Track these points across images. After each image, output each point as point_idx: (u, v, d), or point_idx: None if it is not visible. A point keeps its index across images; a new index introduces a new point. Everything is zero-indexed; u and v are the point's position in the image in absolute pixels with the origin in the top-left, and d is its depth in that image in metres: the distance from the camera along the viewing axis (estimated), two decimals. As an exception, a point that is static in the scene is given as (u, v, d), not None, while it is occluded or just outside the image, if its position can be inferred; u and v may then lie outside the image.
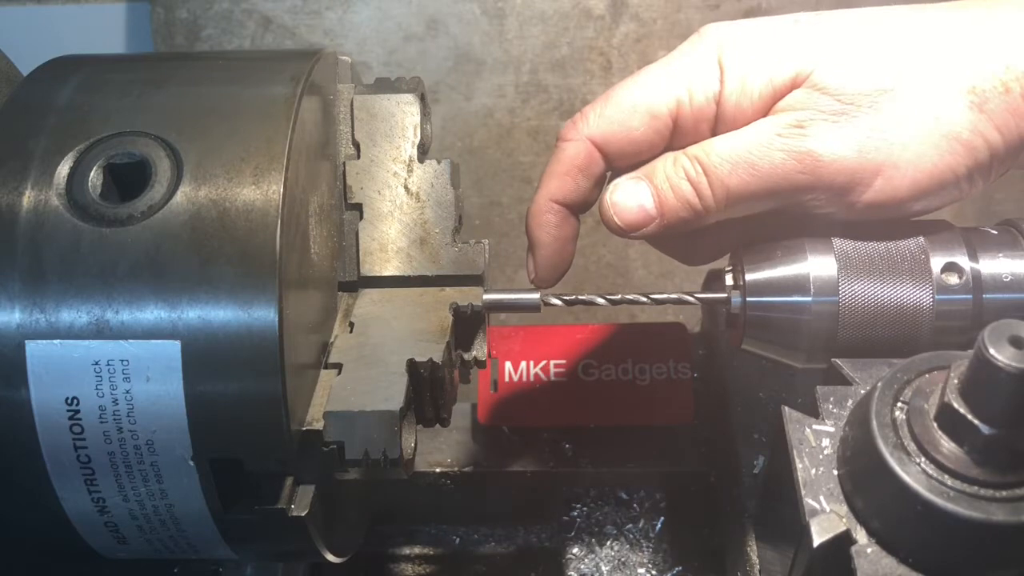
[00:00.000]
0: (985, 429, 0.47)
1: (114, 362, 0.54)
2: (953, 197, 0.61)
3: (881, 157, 0.58)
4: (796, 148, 0.59)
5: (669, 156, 0.64)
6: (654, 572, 0.86)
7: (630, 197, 0.64)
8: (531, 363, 0.86)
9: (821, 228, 0.64)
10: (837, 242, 0.63)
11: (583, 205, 0.67)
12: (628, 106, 0.63)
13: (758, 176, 0.60)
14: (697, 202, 0.62)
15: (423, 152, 0.68)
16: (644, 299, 0.68)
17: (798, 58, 0.60)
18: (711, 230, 0.66)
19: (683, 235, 0.68)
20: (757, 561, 0.73)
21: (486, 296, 0.67)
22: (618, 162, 0.65)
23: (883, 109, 0.58)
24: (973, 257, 0.62)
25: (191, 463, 0.55)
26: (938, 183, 0.59)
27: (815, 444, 0.54)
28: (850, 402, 0.55)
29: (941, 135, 0.58)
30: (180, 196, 0.56)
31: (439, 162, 0.68)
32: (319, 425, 0.57)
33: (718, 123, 0.63)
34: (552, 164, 0.66)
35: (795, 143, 0.59)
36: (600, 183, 0.67)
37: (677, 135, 0.64)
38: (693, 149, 0.63)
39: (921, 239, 0.62)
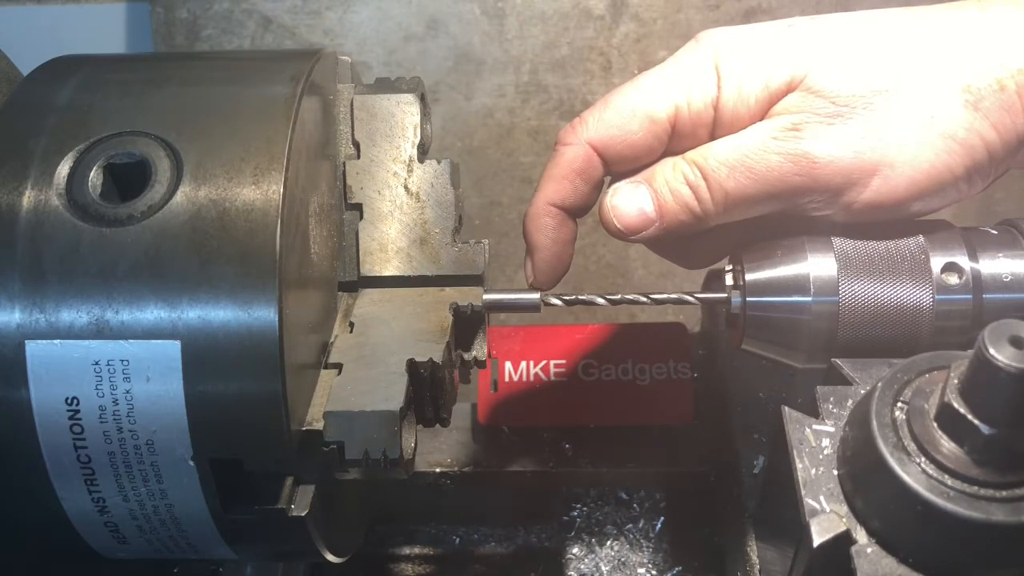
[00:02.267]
0: (985, 429, 0.47)
1: (114, 362, 0.54)
2: (953, 198, 0.61)
3: (877, 157, 0.59)
4: (792, 150, 0.59)
5: (668, 161, 0.64)
6: (654, 572, 0.86)
7: (630, 201, 0.64)
8: (531, 363, 0.86)
9: (821, 230, 0.64)
10: (837, 242, 0.63)
11: (581, 209, 0.67)
12: (627, 111, 0.63)
13: (755, 179, 0.60)
14: (696, 206, 0.62)
15: (423, 152, 0.68)
16: (644, 299, 0.68)
17: (793, 62, 0.60)
18: (709, 234, 0.66)
19: (681, 239, 0.68)
20: (757, 561, 0.73)
21: (486, 296, 0.67)
22: (616, 167, 0.65)
23: (878, 110, 0.59)
24: (973, 257, 0.62)
25: (191, 463, 0.56)
26: (936, 183, 0.59)
27: (815, 444, 0.54)
28: (850, 402, 0.55)
29: (937, 134, 0.58)
30: (180, 196, 0.56)
31: (439, 162, 0.68)
32: (319, 425, 0.57)
33: (716, 128, 0.63)
34: (550, 168, 0.66)
35: (790, 146, 0.59)
36: (598, 187, 0.67)
37: (675, 140, 0.64)
38: (692, 154, 0.63)
39: (921, 239, 0.62)
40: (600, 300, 0.68)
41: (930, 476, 0.48)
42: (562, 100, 1.23)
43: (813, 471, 0.53)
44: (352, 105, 0.68)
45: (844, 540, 0.50)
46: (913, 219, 0.63)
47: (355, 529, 0.75)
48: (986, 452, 0.47)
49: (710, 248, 0.70)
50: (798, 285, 0.62)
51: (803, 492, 0.52)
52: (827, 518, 0.50)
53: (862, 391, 0.55)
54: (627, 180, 0.65)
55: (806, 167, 0.59)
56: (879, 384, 0.52)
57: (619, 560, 0.86)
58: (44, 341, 0.54)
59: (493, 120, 1.24)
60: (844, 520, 0.50)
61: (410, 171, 0.68)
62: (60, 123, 0.59)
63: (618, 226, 0.65)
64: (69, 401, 0.54)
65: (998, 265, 0.62)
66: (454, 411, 0.68)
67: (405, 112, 0.68)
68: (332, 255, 0.66)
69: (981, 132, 0.58)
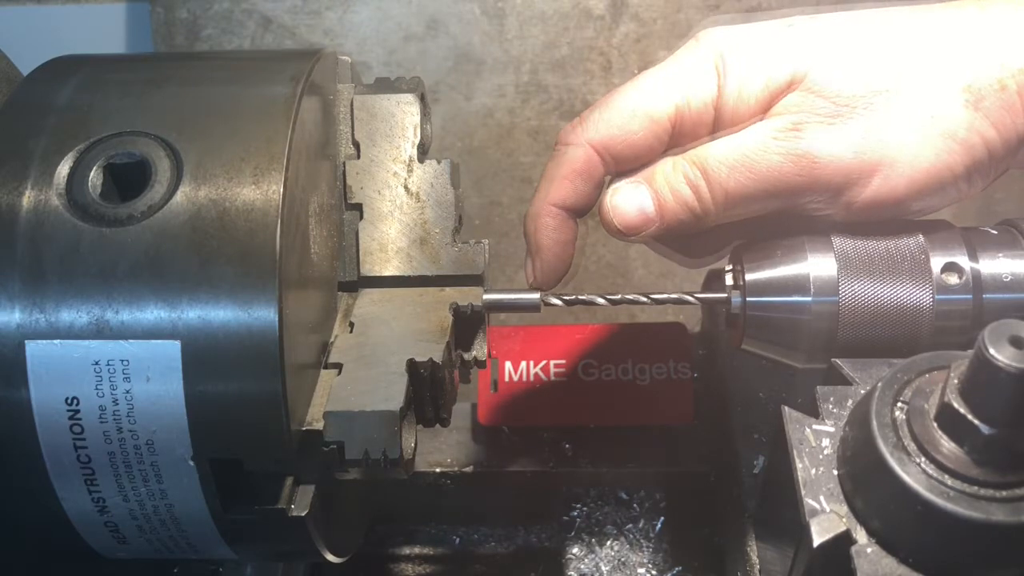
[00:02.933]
0: (985, 429, 0.47)
1: (114, 362, 0.54)
2: (953, 197, 0.61)
3: (877, 157, 0.59)
4: (793, 150, 0.59)
5: (668, 160, 0.64)
6: (654, 572, 0.86)
7: (630, 200, 0.64)
8: (531, 363, 0.86)
9: (821, 229, 0.64)
10: (837, 242, 0.63)
11: (582, 209, 0.67)
12: (628, 111, 0.63)
13: (756, 179, 0.60)
14: (696, 205, 0.62)
15: (423, 152, 0.68)
16: (644, 299, 0.68)
17: (793, 61, 0.60)
18: (709, 233, 0.66)
19: (681, 238, 0.68)
20: (757, 561, 0.73)
21: (486, 296, 0.67)
22: (617, 166, 0.65)
23: (879, 109, 0.59)
24: (973, 257, 0.62)
25: (191, 463, 0.55)
26: (936, 182, 0.59)
27: (815, 444, 0.54)
28: (850, 402, 0.55)
29: (938, 134, 0.58)
30: (180, 196, 0.56)
31: (439, 162, 0.68)
32: (319, 425, 0.57)
33: (716, 127, 0.63)
34: (551, 168, 0.66)
35: (791, 145, 0.59)
36: (599, 187, 0.67)
37: (676, 139, 0.64)
38: (692, 153, 0.63)
39: (921, 239, 0.62)
40: (600, 300, 0.68)
41: (930, 476, 0.48)
42: (562, 100, 1.24)
43: (813, 471, 0.53)
44: (352, 105, 0.68)
45: (844, 540, 0.50)
46: (913, 219, 0.63)
47: (355, 529, 0.75)
48: (986, 452, 0.47)
49: (710, 246, 0.70)
50: (798, 285, 0.62)
51: (803, 492, 0.52)
52: (827, 518, 0.50)
53: (862, 391, 0.55)
54: (627, 179, 0.65)
55: (807, 167, 0.59)
56: (879, 384, 0.52)
57: (619, 560, 0.86)
58: (44, 341, 0.54)
59: (493, 120, 1.24)
60: (844, 520, 0.50)
61: (410, 171, 0.68)
62: (60, 123, 0.59)
63: (618, 226, 0.65)
64: (69, 401, 0.54)
65: (998, 265, 0.62)
66: (454, 411, 0.68)
67: (405, 112, 0.68)
68: (332, 255, 0.66)
69: (981, 131, 0.58)
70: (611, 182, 0.66)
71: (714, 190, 0.61)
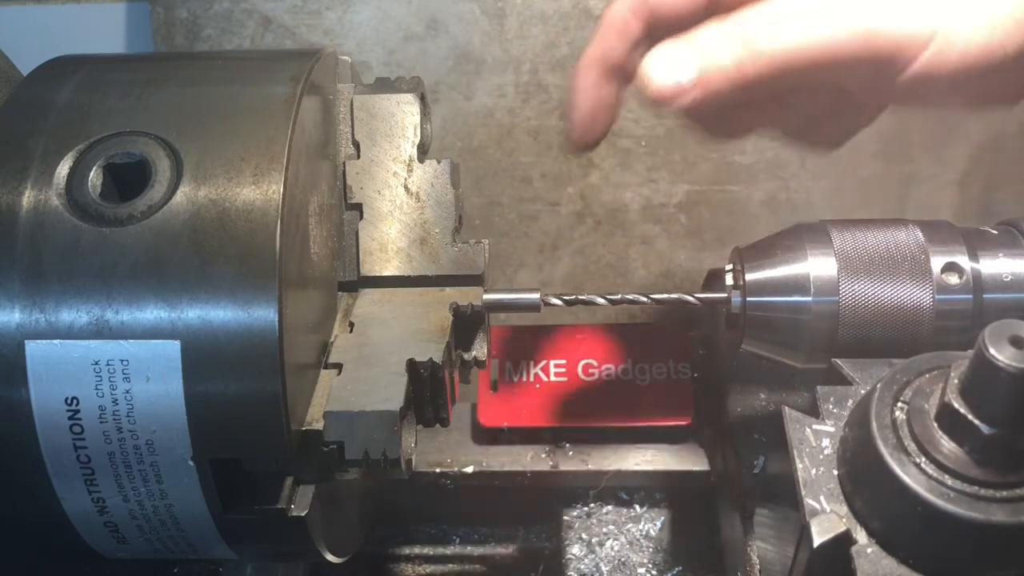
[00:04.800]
0: (985, 429, 0.47)
1: (114, 362, 0.54)
2: (996, 86, 0.59)
3: (932, 26, 0.56)
4: (846, 15, 0.57)
5: (713, 22, 0.60)
6: (654, 572, 0.86)
7: (669, 64, 0.60)
8: (531, 363, 0.86)
9: (821, 227, 0.63)
10: (837, 242, 0.63)
11: (620, 67, 0.64)
12: None
13: (805, 45, 0.57)
14: (738, 73, 0.59)
15: (423, 152, 0.69)
16: (644, 299, 0.68)
17: None
18: (741, 110, 0.64)
19: (714, 113, 0.64)
20: (757, 561, 0.73)
21: (486, 296, 0.67)
22: (660, 29, 0.63)
23: None
24: (973, 257, 0.62)
25: (191, 463, 0.56)
26: (986, 61, 0.56)
27: (815, 444, 0.54)
28: (850, 402, 0.55)
29: (995, 9, 0.56)
30: (180, 196, 0.56)
31: (439, 162, 0.68)
32: (319, 425, 0.57)
33: None
34: (596, 30, 0.65)
35: (847, 10, 0.57)
36: (636, 47, 0.64)
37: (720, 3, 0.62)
38: (738, 15, 0.59)
39: (921, 239, 0.62)
40: (600, 300, 0.68)
41: (930, 476, 0.48)
42: (562, 100, 1.23)
43: (813, 471, 0.53)
44: (352, 105, 0.68)
45: (844, 540, 0.50)
46: (913, 219, 0.63)
47: (355, 529, 0.75)
48: (986, 452, 0.47)
49: (741, 124, 0.68)
50: (798, 285, 0.62)
51: (803, 492, 0.52)
52: (827, 518, 0.50)
53: (862, 391, 0.55)
54: (669, 41, 0.60)
55: (861, 34, 0.57)
56: (879, 384, 0.52)
57: (619, 560, 0.86)
58: (44, 341, 0.54)
59: (493, 120, 1.24)
60: (844, 520, 0.50)
61: (410, 171, 0.68)
62: (60, 123, 0.59)
63: (655, 90, 0.60)
64: (69, 401, 0.54)
65: (998, 265, 0.62)
66: (454, 411, 0.68)
67: (405, 112, 0.68)
68: (332, 255, 0.66)
69: None
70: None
71: (759, 56, 0.58)
